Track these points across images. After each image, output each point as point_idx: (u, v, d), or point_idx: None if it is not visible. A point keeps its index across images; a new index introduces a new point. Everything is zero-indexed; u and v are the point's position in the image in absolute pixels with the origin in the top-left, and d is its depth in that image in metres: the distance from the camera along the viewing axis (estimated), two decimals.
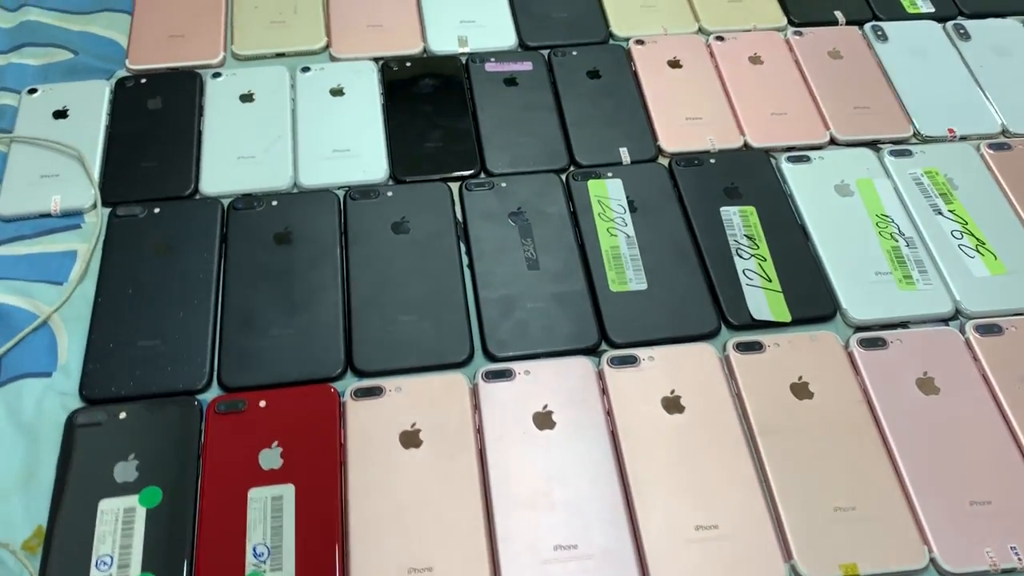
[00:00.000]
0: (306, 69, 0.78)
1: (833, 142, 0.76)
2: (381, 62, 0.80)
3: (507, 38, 0.82)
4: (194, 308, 0.63)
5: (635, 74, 0.80)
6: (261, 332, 0.62)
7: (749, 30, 0.84)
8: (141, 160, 0.71)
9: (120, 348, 0.60)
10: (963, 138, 0.77)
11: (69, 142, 0.71)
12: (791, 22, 0.85)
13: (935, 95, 0.79)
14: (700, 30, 0.84)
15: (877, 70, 0.81)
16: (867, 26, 0.85)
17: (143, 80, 0.77)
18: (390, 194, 0.70)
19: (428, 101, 0.77)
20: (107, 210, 0.68)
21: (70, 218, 0.68)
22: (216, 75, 0.78)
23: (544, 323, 0.63)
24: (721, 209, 0.70)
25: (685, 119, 0.76)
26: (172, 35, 0.81)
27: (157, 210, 0.68)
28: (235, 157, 0.72)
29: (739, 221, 0.69)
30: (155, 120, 0.74)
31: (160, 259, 0.65)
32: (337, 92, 0.77)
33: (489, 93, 0.78)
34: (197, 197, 0.70)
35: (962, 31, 0.85)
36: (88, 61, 0.79)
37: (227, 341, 0.61)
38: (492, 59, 0.80)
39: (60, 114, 0.74)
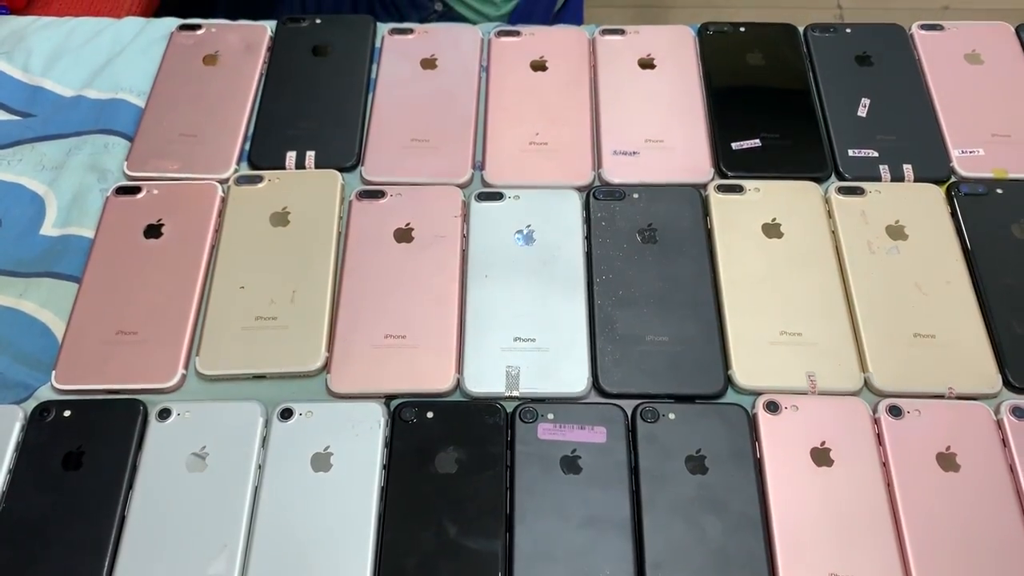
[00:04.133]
0: (287, 414, 0.56)
1: None
2: (394, 405, 0.56)
3: (576, 377, 0.57)
4: None
5: (758, 463, 0.54)
6: None
7: (941, 396, 0.56)
8: None
9: None
10: None
11: None
12: (1009, 385, 0.57)
13: None
14: (867, 387, 0.57)
15: None
16: None
17: (67, 412, 0.56)
18: None
19: (445, 492, 0.53)
20: None
21: None
22: (164, 414, 0.56)
23: None
24: None
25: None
26: (120, 331, 0.59)
27: None
28: None
29: None
30: (66, 494, 0.53)
31: None
32: (321, 463, 0.54)
33: (536, 488, 0.53)
34: None
35: None
36: (6, 369, 0.58)
37: None
38: (550, 417, 0.55)
39: None
